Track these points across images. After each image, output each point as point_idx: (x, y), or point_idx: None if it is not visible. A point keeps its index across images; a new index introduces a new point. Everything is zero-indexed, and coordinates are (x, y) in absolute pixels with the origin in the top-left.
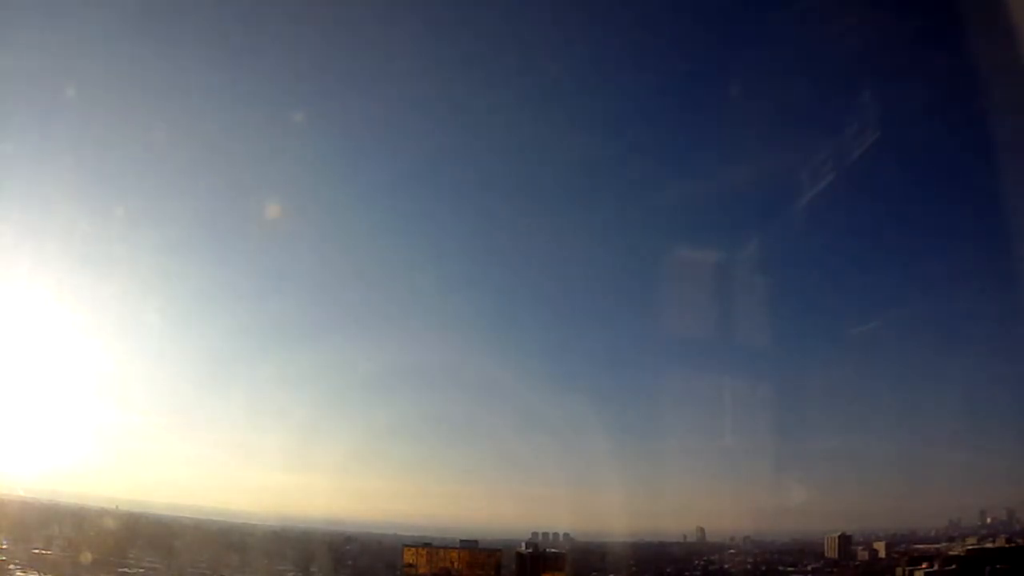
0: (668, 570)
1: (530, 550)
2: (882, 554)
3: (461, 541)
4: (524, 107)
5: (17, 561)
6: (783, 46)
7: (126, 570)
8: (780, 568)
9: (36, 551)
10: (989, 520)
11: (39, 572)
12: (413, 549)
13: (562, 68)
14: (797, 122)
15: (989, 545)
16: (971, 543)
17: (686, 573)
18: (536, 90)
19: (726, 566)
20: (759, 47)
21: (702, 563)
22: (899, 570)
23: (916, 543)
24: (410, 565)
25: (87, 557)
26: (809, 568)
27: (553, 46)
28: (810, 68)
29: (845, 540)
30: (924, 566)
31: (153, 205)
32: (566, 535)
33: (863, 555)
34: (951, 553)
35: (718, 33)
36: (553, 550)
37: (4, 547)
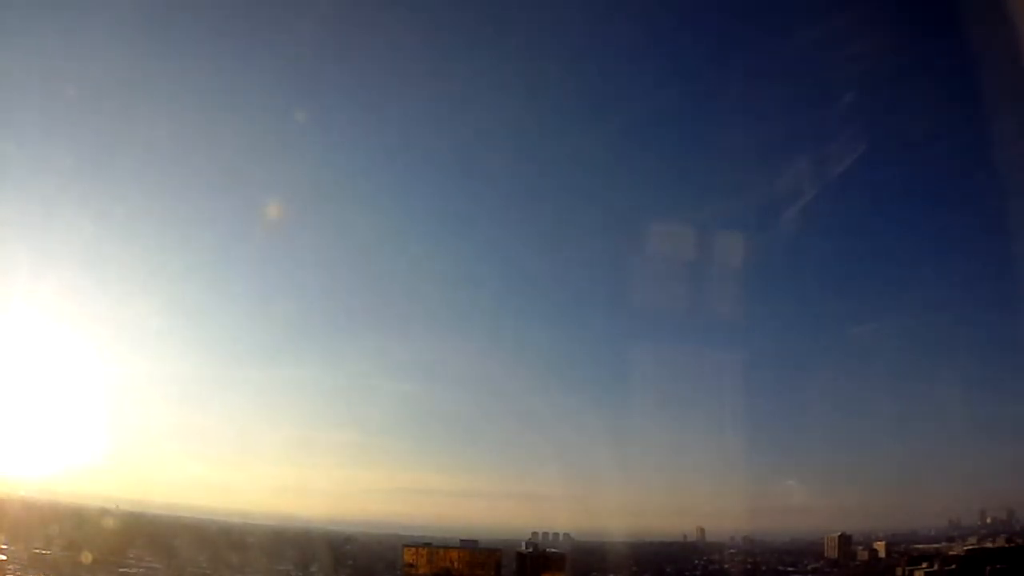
0: (668, 570)
1: (530, 550)
2: (882, 554)
3: (461, 541)
4: (526, 108)
5: (17, 561)
6: (785, 48)
7: (126, 570)
8: (780, 568)
9: (36, 551)
10: (989, 520)
11: (39, 572)
12: (413, 549)
13: (562, 70)
14: (799, 125)
15: (989, 545)
16: (971, 543)
17: (686, 573)
18: (535, 92)
19: (726, 566)
20: (762, 48)
21: (702, 563)
22: (899, 570)
23: (916, 543)
24: (410, 565)
25: (87, 557)
26: (809, 568)
27: (550, 49)
28: (812, 70)
29: (845, 540)
30: (924, 566)
31: (154, 205)
32: (566, 535)
33: (863, 555)
34: (951, 553)
35: (718, 36)
36: (553, 550)
37: (4, 547)
